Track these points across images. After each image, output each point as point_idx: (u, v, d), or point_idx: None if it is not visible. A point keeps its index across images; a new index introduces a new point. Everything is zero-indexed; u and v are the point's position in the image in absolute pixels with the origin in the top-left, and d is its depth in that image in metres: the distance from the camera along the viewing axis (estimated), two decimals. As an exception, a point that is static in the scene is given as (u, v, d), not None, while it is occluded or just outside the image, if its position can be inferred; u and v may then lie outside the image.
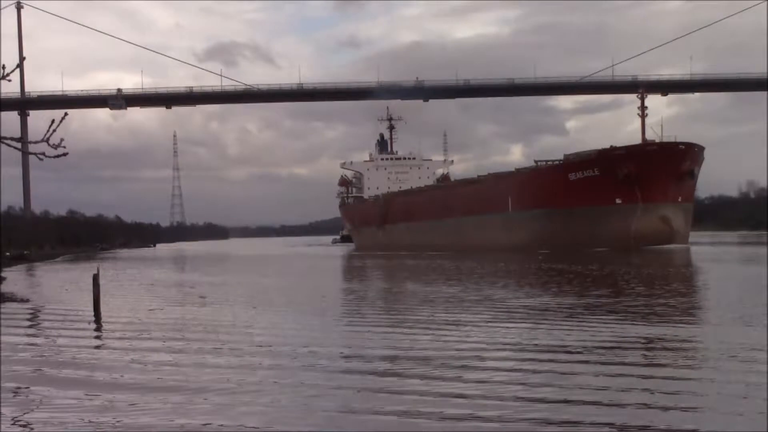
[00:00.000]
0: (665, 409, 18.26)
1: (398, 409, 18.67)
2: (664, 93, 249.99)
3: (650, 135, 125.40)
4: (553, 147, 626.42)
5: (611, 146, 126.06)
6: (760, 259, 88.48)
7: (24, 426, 18.37)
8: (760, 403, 18.33)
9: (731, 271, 71.80)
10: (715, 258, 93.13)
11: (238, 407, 19.29)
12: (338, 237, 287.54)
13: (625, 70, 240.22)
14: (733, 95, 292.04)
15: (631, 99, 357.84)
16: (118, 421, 18.25)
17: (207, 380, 22.71)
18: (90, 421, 18.37)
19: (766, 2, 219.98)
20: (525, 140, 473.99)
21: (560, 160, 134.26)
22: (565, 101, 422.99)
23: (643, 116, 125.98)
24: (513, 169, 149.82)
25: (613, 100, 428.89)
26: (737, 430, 16.74)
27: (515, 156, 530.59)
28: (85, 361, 27.42)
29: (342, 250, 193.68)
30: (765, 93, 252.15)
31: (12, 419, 18.93)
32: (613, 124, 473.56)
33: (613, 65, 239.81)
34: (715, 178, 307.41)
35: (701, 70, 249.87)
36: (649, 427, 16.73)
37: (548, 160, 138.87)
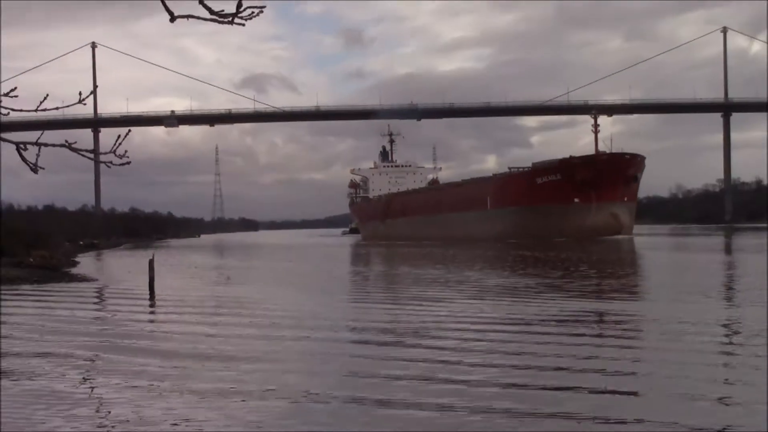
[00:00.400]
0: (611, 374, 17.62)
1: (393, 373, 18.18)
2: (610, 114, 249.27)
3: (602, 147, 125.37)
4: (521, 157, 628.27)
5: (570, 156, 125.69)
6: (687, 247, 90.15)
7: (91, 388, 17.85)
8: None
9: (666, 257, 72.06)
10: (653, 246, 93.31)
11: (267, 372, 18.74)
12: (347, 229, 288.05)
13: (579, 96, 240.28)
14: (663, 116, 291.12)
15: (584, 119, 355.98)
16: (173, 385, 17.56)
17: (238, 350, 22.09)
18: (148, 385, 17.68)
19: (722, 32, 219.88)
20: (498, 152, 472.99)
21: (529, 167, 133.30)
22: (530, 120, 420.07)
23: (596, 132, 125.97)
24: (491, 175, 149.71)
25: (569, 120, 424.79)
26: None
27: (490, 164, 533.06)
28: (142, 333, 26.83)
29: (351, 240, 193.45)
30: (689, 114, 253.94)
31: (81, 381, 18.47)
32: (569, 140, 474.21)
33: (568, 92, 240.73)
34: (651, 182, 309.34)
35: (639, 96, 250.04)
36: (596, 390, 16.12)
37: (519, 167, 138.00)
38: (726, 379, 17.13)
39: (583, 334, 23.52)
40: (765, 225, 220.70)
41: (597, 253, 74.80)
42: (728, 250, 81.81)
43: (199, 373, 19.07)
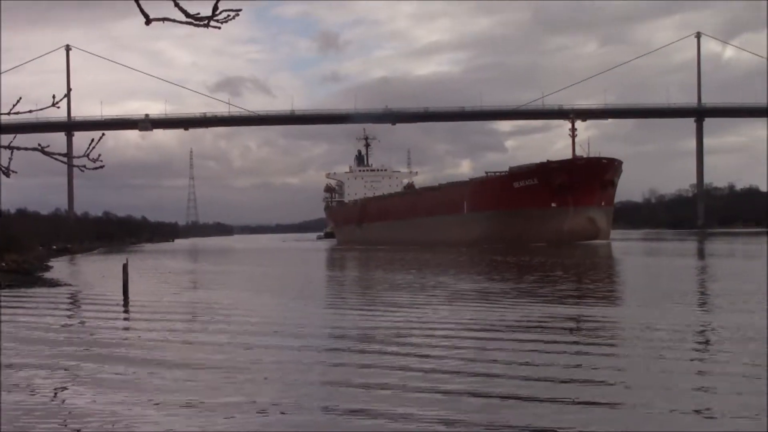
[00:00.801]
0: (591, 383, 17.05)
1: (364, 382, 17.70)
2: (584, 119, 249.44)
3: (579, 152, 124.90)
4: (495, 162, 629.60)
5: (548, 160, 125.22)
6: (661, 252, 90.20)
7: (62, 400, 17.09)
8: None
9: (641, 262, 71.79)
10: (628, 251, 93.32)
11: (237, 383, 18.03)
12: (322, 234, 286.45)
13: (554, 101, 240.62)
14: (638, 121, 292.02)
15: (558, 123, 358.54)
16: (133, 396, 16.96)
17: (212, 358, 21.41)
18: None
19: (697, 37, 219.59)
20: (472, 156, 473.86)
21: (506, 171, 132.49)
22: (504, 125, 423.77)
23: (573, 136, 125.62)
24: (467, 179, 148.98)
25: (543, 124, 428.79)
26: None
27: (464, 169, 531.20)
28: (116, 341, 25.84)
29: (326, 244, 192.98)
30: (663, 119, 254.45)
31: (54, 390, 17.79)
32: (544, 144, 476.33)
33: (543, 97, 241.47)
34: (625, 187, 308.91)
35: (613, 100, 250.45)
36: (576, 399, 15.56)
37: (496, 172, 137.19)
38: (704, 387, 16.59)
39: (560, 341, 22.92)
40: (737, 230, 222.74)
41: (574, 258, 74.45)
42: (701, 255, 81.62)
43: (173, 382, 18.31)
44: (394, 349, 22.07)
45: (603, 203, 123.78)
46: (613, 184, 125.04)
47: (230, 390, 17.18)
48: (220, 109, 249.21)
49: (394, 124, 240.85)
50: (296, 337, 25.20)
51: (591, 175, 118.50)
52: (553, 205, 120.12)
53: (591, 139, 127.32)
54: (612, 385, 16.86)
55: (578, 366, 18.97)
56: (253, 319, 30.55)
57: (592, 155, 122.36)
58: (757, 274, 47.56)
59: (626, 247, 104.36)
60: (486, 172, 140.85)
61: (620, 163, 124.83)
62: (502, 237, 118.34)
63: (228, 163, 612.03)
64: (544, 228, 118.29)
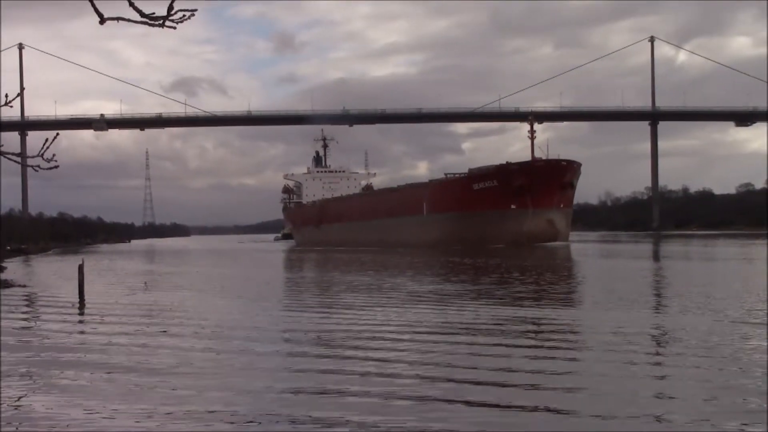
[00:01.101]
0: (548, 389, 16.52)
1: (327, 388, 17.13)
2: (540, 121, 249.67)
3: (538, 153, 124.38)
4: (452, 164, 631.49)
5: (507, 162, 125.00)
6: (617, 254, 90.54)
7: (19, 404, 16.32)
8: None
9: (598, 264, 71.59)
10: (585, 253, 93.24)
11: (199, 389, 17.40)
12: (279, 235, 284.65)
13: (510, 103, 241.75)
14: (593, 124, 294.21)
15: (514, 126, 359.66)
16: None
17: (168, 362, 20.66)
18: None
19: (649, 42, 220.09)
20: (429, 158, 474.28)
21: (465, 173, 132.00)
22: (461, 127, 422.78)
23: (532, 138, 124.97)
24: (427, 180, 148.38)
25: (499, 126, 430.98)
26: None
27: (421, 170, 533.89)
28: (72, 345, 24.85)
29: (284, 245, 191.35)
30: (618, 122, 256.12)
31: (15, 399, 16.79)
32: (500, 146, 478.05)
33: (500, 99, 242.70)
34: (581, 189, 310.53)
35: (569, 103, 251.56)
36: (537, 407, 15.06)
37: (456, 173, 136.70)
38: (661, 394, 16.02)
39: (517, 345, 22.44)
40: (691, 232, 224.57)
41: (532, 260, 74.25)
42: (657, 257, 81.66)
43: (128, 388, 17.63)
44: (351, 353, 21.43)
45: (562, 205, 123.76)
46: (572, 186, 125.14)
47: (186, 396, 16.63)
48: (176, 110, 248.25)
49: (351, 125, 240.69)
50: (252, 341, 24.54)
51: (550, 177, 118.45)
52: (513, 206, 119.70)
53: (542, 143, 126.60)
54: (571, 391, 16.29)
55: (537, 372, 18.33)
56: (209, 322, 29.82)
57: (551, 157, 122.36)
58: (711, 277, 47.94)
59: (583, 249, 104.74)
60: (445, 174, 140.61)
61: (579, 165, 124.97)
62: (462, 238, 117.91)
63: (184, 163, 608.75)
64: (504, 230, 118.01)
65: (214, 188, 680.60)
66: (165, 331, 27.33)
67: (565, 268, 65.05)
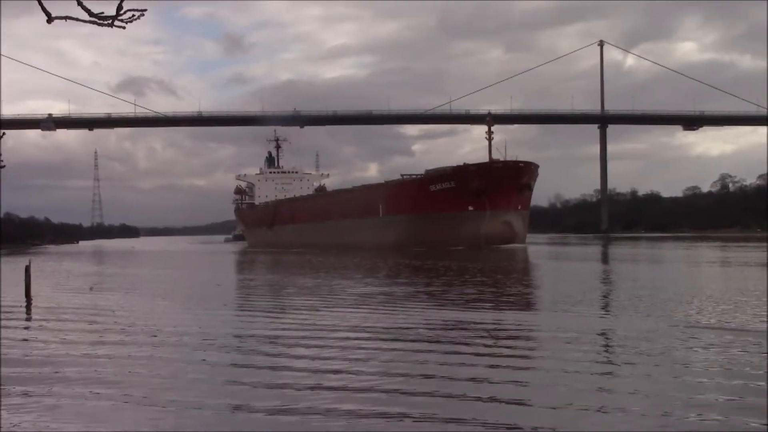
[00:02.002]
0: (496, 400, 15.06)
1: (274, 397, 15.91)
2: (491, 124, 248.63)
3: (495, 155, 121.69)
4: (402, 165, 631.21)
5: (465, 163, 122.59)
6: (567, 256, 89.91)
7: None
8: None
9: (550, 266, 69.98)
10: (537, 255, 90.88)
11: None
12: (230, 236, 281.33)
13: (460, 106, 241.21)
14: (542, 126, 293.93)
15: (464, 128, 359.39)
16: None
17: (116, 371, 19.00)
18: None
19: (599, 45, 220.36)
20: (379, 160, 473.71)
21: (422, 174, 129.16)
22: (411, 129, 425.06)
23: (490, 139, 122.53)
24: (383, 181, 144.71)
25: (449, 129, 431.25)
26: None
27: (372, 172, 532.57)
28: (18, 354, 22.30)
29: (235, 247, 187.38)
30: (567, 125, 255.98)
31: None
32: (450, 148, 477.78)
33: (450, 101, 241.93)
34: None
35: (519, 106, 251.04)
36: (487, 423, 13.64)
37: (412, 174, 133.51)
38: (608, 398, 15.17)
39: (467, 352, 20.67)
40: (639, 234, 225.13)
41: (488, 262, 72.16)
42: (605, 259, 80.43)
43: (75, 399, 15.91)
44: (299, 363, 19.47)
45: (519, 207, 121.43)
46: (529, 188, 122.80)
47: (132, 409, 15.17)
48: (125, 110, 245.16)
49: (302, 127, 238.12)
50: (194, 348, 22.54)
51: (508, 179, 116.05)
52: (470, 208, 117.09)
53: (497, 144, 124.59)
54: (521, 404, 14.82)
55: (483, 380, 16.89)
56: (155, 326, 27.81)
57: (508, 159, 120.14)
58: (659, 279, 47.31)
59: (538, 251, 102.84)
60: (402, 175, 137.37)
61: (536, 166, 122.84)
62: (419, 240, 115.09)
63: (133, 164, 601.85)
64: (461, 232, 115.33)
65: (163, 189, 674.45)
66: (109, 339, 25.11)
67: (521, 270, 63.35)
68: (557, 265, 70.16)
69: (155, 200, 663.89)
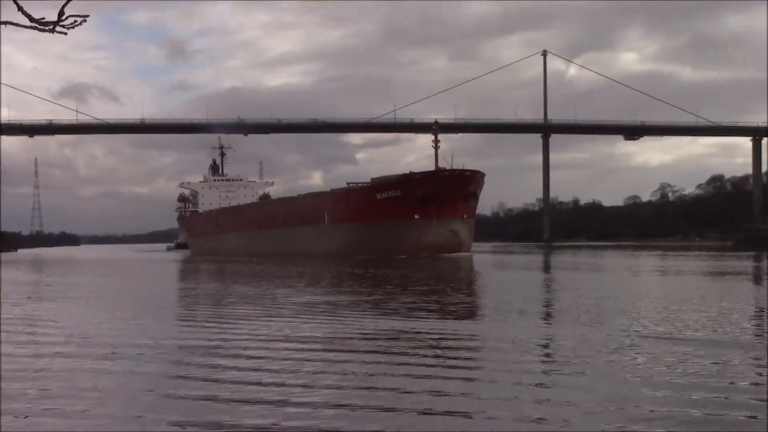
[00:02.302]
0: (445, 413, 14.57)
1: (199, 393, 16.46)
2: (436, 133, 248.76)
3: (442, 163, 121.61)
4: (346, 174, 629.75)
5: (411, 171, 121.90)
6: (510, 265, 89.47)
7: None
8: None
9: (494, 275, 69.20)
10: (485, 264, 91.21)
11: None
12: (173, 244, 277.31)
13: (405, 114, 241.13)
14: (485, 135, 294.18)
15: (408, 137, 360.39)
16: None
17: (55, 384, 17.94)
18: None
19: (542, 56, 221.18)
20: (324, 168, 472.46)
21: (368, 182, 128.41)
22: (355, 137, 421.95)
23: (436, 148, 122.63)
24: (328, 189, 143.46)
25: (394, 137, 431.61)
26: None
27: (316, 180, 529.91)
28: None
29: (178, 255, 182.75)
30: (510, 135, 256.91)
31: None
32: (394, 157, 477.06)
33: (395, 110, 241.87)
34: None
35: (463, 115, 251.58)
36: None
37: (358, 182, 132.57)
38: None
39: (409, 363, 20.07)
40: (581, 243, 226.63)
41: (433, 271, 71.74)
42: (547, 268, 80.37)
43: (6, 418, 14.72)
44: (231, 375, 18.78)
45: (465, 216, 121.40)
46: (475, 197, 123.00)
47: (71, 425, 14.25)
48: (66, 116, 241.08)
49: (246, 134, 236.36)
50: (134, 359, 21.64)
51: (454, 187, 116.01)
52: (416, 217, 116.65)
53: (442, 152, 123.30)
54: (465, 415, 14.36)
55: (424, 391, 16.35)
56: (94, 336, 26.69)
57: (455, 167, 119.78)
58: (600, 288, 47.23)
59: (483, 260, 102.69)
60: (348, 183, 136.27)
61: (483, 175, 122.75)
62: (364, 249, 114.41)
63: (73, 171, 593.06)
64: (407, 240, 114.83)
65: (104, 196, 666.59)
66: (48, 351, 23.71)
67: (466, 279, 62.85)
68: (501, 275, 69.57)
69: (96, 208, 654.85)
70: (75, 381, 18.20)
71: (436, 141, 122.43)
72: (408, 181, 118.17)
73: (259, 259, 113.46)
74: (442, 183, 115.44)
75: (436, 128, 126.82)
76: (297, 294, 44.70)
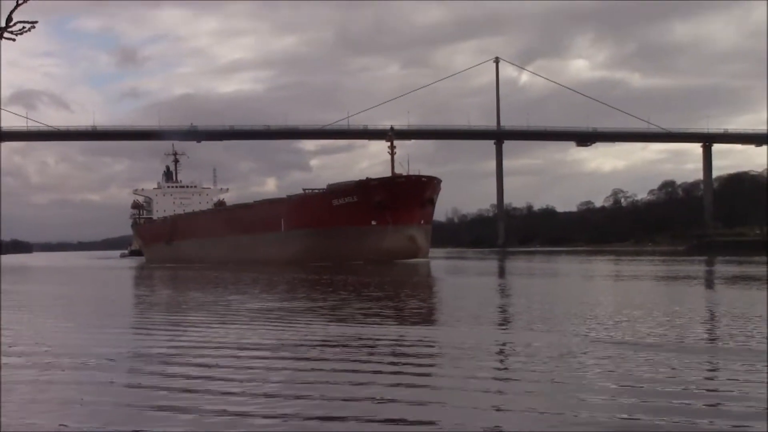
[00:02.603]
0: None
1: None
2: (392, 140, 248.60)
3: (398, 169, 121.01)
4: (300, 180, 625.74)
5: (367, 177, 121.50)
6: (465, 270, 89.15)
7: None
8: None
9: (452, 281, 68.68)
10: (441, 269, 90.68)
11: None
12: (126, 251, 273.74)
13: (357, 121, 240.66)
14: (439, 142, 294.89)
15: (361, 144, 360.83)
16: None
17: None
18: None
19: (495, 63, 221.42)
20: (277, 174, 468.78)
21: (324, 188, 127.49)
22: (309, 144, 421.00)
23: (392, 154, 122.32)
24: (284, 196, 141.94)
25: (347, 144, 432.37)
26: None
27: (270, 187, 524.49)
28: None
29: (132, 262, 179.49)
30: (464, 141, 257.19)
31: None
32: (348, 163, 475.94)
33: (348, 117, 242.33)
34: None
35: (416, 122, 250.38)
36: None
37: (315, 189, 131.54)
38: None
39: (372, 366, 19.95)
40: (534, 249, 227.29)
41: (390, 276, 71.42)
42: (502, 273, 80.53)
43: None
44: (191, 372, 19.31)
45: (422, 221, 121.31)
46: (432, 203, 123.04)
47: None
48: (16, 123, 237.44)
49: (199, 141, 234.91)
50: (87, 369, 20.82)
51: (411, 193, 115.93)
52: (373, 223, 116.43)
53: (398, 158, 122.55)
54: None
55: (381, 399, 16.00)
56: (46, 346, 25.57)
57: (411, 173, 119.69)
58: (553, 293, 47.43)
59: (438, 266, 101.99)
60: (304, 189, 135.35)
61: (439, 181, 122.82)
62: (321, 255, 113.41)
63: (24, 178, 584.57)
64: (364, 246, 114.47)
65: (56, 204, 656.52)
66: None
67: (422, 284, 62.37)
68: (459, 280, 69.15)
69: (48, 215, 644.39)
70: (23, 394, 17.26)
71: (392, 147, 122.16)
72: (364, 187, 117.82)
73: (214, 267, 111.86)
74: (398, 189, 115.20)
75: (391, 134, 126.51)
76: (251, 300, 44.10)
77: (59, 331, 30.75)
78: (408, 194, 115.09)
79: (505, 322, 31.10)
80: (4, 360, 22.66)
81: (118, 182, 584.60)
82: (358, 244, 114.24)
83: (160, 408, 15.31)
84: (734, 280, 56.61)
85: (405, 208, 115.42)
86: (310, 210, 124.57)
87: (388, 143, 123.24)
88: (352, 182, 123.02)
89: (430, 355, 21.90)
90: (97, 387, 17.81)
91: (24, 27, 8.64)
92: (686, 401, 15.11)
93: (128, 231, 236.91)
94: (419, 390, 16.69)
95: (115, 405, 15.89)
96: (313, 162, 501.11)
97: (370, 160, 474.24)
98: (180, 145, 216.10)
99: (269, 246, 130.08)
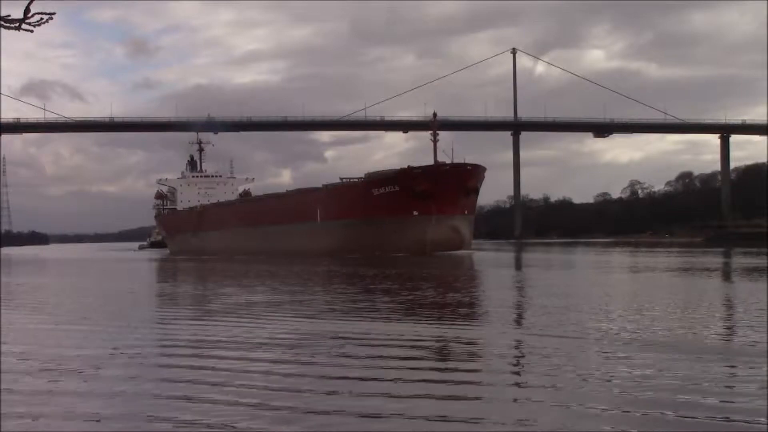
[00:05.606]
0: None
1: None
2: (405, 130, 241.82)
3: (442, 157, 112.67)
4: (315, 172, 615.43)
5: (409, 166, 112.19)
6: (508, 263, 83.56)
7: None
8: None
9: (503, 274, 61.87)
10: (485, 262, 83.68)
11: None
12: (146, 243, 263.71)
13: (374, 112, 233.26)
14: (454, 133, 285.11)
15: (376, 134, 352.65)
16: None
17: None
18: None
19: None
20: (292, 166, 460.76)
21: (362, 177, 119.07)
22: (324, 135, 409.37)
23: (435, 141, 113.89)
24: (321, 185, 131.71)
25: (362, 135, 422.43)
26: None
27: (285, 179, 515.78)
28: None
29: (154, 254, 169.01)
30: (480, 132, 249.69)
31: None
32: (363, 155, 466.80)
33: (365, 108, 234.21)
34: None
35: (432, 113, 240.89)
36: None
37: (352, 177, 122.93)
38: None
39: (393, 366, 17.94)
40: (551, 240, 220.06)
41: (435, 269, 65.29)
42: (518, 265, 75.99)
43: None
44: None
45: (466, 211, 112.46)
46: (476, 191, 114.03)
47: None
48: (33, 115, 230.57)
49: (217, 132, 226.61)
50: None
51: (455, 182, 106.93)
52: (415, 213, 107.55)
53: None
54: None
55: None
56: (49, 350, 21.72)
57: (457, 161, 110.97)
58: (570, 287, 43.27)
59: (482, 258, 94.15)
60: (341, 178, 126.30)
61: (484, 169, 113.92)
62: (360, 246, 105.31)
63: (40, 170, 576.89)
64: (405, 237, 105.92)
65: (73, 195, 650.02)
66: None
67: (468, 277, 56.29)
68: (505, 273, 62.57)
69: (65, 207, 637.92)
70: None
71: (435, 134, 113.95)
72: (406, 176, 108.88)
73: (246, 258, 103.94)
74: (442, 177, 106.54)
75: (434, 121, 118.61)
76: (288, 293, 40.70)
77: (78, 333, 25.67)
78: (452, 183, 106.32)
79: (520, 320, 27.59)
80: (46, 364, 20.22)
81: (134, 173, 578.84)
82: (399, 235, 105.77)
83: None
84: (752, 272, 53.95)
85: (449, 198, 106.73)
86: (349, 199, 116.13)
87: (430, 132, 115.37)
88: (392, 170, 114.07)
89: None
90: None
91: (41, 18, 7.93)
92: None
93: (146, 222, 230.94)
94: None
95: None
96: (329, 153, 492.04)
97: (385, 152, 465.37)
98: (199, 136, 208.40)
99: (303, 237, 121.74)
